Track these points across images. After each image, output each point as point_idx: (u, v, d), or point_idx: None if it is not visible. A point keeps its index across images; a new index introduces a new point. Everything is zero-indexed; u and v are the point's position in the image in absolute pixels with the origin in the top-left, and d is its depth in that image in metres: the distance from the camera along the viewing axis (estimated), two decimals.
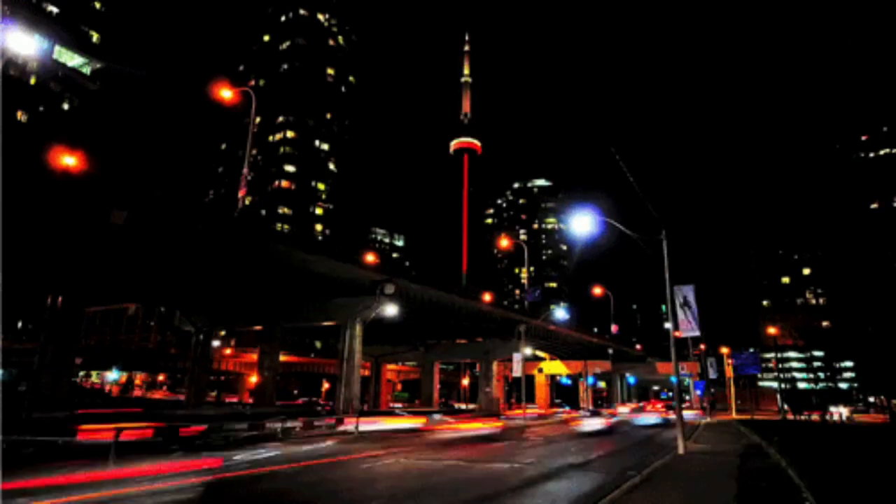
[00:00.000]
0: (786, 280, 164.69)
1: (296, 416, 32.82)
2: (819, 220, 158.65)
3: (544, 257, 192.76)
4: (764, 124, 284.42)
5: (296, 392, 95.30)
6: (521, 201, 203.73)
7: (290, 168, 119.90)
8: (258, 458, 18.87)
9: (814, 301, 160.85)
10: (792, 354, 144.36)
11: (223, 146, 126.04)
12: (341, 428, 32.44)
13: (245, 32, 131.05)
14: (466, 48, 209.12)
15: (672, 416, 31.59)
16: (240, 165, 41.49)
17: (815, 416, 69.51)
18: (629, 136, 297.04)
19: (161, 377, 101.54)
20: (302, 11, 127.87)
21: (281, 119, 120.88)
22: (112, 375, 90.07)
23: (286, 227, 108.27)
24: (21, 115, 70.93)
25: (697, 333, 23.90)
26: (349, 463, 18.90)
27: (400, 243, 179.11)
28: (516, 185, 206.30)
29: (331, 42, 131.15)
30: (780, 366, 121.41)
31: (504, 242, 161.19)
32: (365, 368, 62.71)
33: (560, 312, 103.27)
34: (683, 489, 12.87)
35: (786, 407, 74.03)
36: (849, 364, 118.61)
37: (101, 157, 25.89)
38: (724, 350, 77.95)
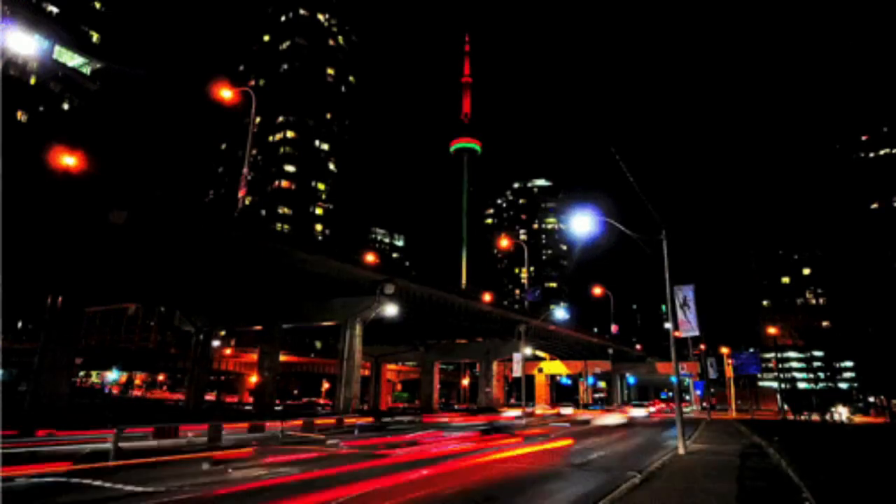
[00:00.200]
0: (786, 280, 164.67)
1: (296, 416, 32.74)
2: (819, 220, 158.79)
3: (544, 257, 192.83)
4: (764, 124, 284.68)
5: (296, 392, 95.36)
6: (521, 201, 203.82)
7: (290, 168, 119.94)
8: None
9: (814, 301, 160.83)
10: (792, 354, 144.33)
11: (223, 146, 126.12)
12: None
13: (245, 32, 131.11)
14: (467, 48, 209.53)
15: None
16: (240, 165, 41.55)
17: (815, 417, 69.47)
18: (629, 136, 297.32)
19: (161, 377, 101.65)
20: (302, 11, 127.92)
21: (281, 119, 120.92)
22: (112, 375, 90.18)
23: (286, 227, 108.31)
24: (21, 115, 70.93)
25: (697, 333, 23.91)
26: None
27: (400, 243, 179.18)
28: (516, 185, 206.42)
29: (331, 42, 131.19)
30: (780, 366, 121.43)
31: (504, 242, 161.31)
32: (365, 368, 62.74)
33: (560, 312, 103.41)
34: (684, 489, 12.86)
35: (786, 407, 74.06)
36: (849, 364, 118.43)
37: (101, 157, 25.90)
38: (724, 350, 78.00)
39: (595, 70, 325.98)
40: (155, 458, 17.37)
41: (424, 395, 68.56)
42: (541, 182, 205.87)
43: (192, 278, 38.29)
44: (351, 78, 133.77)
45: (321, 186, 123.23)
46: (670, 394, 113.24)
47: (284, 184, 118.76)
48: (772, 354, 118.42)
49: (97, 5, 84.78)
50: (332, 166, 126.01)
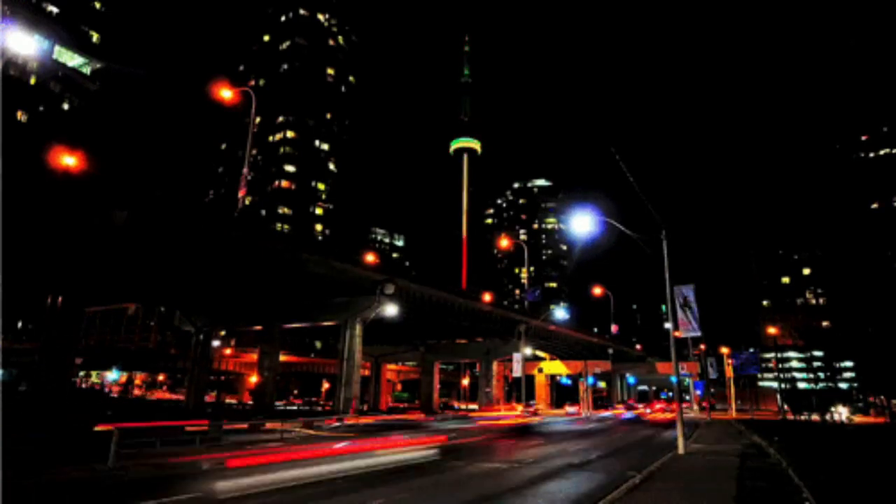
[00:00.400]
0: (786, 280, 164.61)
1: (296, 416, 32.77)
2: (819, 220, 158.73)
3: (544, 257, 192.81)
4: (764, 124, 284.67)
5: (296, 392, 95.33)
6: (521, 201, 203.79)
7: (290, 168, 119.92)
8: None
9: (814, 301, 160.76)
10: (792, 354, 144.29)
11: (223, 146, 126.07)
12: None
13: (245, 32, 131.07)
14: (466, 49, 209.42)
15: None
16: (240, 165, 41.54)
17: (814, 417, 69.48)
18: (629, 136, 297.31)
19: (161, 377, 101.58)
20: (302, 11, 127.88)
21: (281, 119, 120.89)
22: (112, 375, 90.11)
23: (286, 227, 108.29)
24: (21, 115, 70.92)
25: (697, 333, 23.91)
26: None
27: (400, 243, 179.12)
28: (516, 185, 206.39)
29: (331, 42, 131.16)
30: (780, 366, 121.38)
31: (504, 242, 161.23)
32: (365, 368, 62.73)
33: (560, 312, 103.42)
34: (684, 489, 12.87)
35: (786, 407, 74.03)
36: (849, 364, 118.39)
37: (102, 158, 25.89)
38: (724, 350, 77.96)
39: (595, 70, 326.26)
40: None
41: (424, 395, 68.53)
42: (541, 182, 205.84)
43: (192, 278, 38.27)
44: (351, 78, 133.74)
45: (321, 186, 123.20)
46: (670, 394, 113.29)
47: (284, 184, 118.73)
48: (772, 354, 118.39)
49: (97, 5, 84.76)
50: (332, 166, 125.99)
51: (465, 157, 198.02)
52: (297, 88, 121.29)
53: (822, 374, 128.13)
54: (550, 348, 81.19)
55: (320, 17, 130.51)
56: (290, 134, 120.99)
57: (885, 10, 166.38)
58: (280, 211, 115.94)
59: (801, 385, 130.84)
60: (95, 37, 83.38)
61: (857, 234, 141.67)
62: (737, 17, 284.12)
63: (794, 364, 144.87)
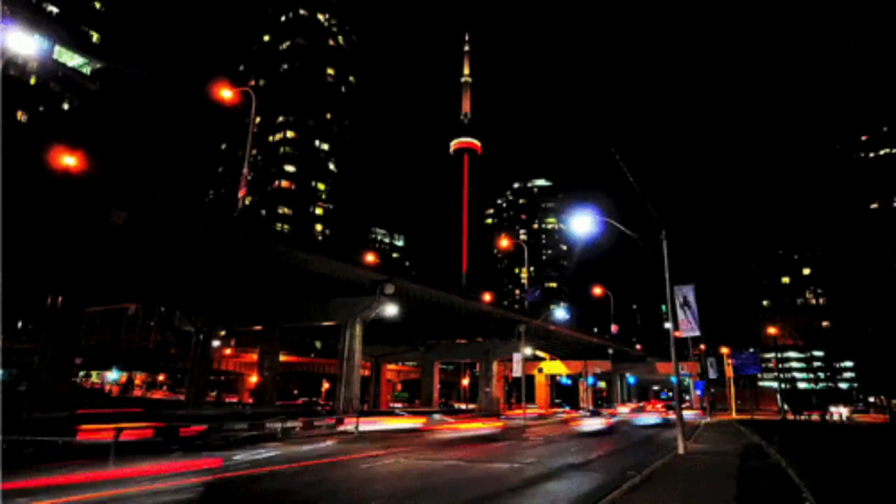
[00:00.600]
0: (786, 280, 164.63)
1: (296, 416, 32.85)
2: (819, 220, 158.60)
3: (544, 257, 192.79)
4: (764, 124, 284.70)
5: (296, 392, 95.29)
6: (521, 201, 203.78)
7: (290, 168, 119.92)
8: (258, 458, 18.95)
9: (814, 301, 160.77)
10: (792, 354, 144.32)
11: (223, 146, 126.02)
12: (341, 428, 32.57)
13: (245, 32, 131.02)
14: (466, 48, 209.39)
15: (672, 415, 31.58)
16: (240, 165, 41.50)
17: (815, 416, 69.48)
18: (629, 136, 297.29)
19: (161, 377, 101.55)
20: (302, 11, 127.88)
21: (281, 119, 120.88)
22: (112, 375, 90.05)
23: (286, 227, 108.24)
24: (21, 115, 70.92)
25: (697, 333, 23.89)
26: (349, 463, 18.92)
27: (400, 243, 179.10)
28: (516, 185, 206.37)
29: (331, 42, 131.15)
30: (780, 366, 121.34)
31: (504, 242, 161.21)
32: (365, 368, 62.69)
33: (560, 312, 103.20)
34: (683, 489, 12.87)
35: (786, 407, 74.01)
36: (849, 364, 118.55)
37: (101, 158, 25.90)
38: (724, 350, 77.92)
39: (595, 70, 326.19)
40: None
41: (424, 395, 68.54)
42: (541, 182, 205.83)
43: (192, 278, 38.25)
44: (351, 78, 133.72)
45: (321, 186, 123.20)
46: (671, 394, 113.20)
47: (284, 184, 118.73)
48: (772, 354, 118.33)
49: (97, 5, 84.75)
50: (332, 166, 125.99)
51: (465, 156, 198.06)
52: (297, 88, 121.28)
53: (822, 374, 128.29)
54: (550, 348, 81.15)
55: (320, 17, 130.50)
56: (290, 134, 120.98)
57: (885, 10, 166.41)
58: (280, 211, 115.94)
59: (801, 385, 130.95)
60: (95, 37, 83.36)
61: (856, 235, 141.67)
62: (737, 17, 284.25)
63: (794, 364, 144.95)
